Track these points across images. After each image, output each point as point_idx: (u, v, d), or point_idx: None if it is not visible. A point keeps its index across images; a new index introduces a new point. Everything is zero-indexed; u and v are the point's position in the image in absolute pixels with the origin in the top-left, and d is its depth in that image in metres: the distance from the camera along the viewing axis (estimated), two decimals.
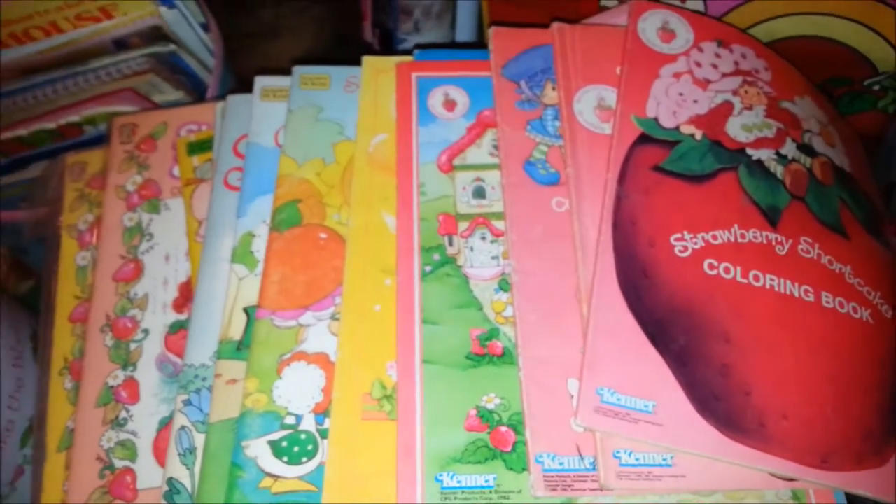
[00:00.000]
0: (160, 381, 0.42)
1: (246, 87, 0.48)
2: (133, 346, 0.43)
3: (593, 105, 0.43)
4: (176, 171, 0.49)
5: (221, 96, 0.60)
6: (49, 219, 0.50)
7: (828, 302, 0.38)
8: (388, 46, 0.70)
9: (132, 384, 0.42)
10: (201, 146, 0.49)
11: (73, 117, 0.57)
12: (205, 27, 0.59)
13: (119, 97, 0.56)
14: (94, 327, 0.44)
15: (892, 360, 0.39)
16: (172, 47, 0.55)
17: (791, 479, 0.34)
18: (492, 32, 0.45)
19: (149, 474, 0.40)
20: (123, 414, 0.41)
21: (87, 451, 0.41)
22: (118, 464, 0.40)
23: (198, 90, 0.61)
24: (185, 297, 0.44)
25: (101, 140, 0.60)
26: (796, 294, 0.37)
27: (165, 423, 0.41)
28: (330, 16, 0.72)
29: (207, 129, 0.50)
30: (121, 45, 0.54)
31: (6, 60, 0.53)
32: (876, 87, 0.53)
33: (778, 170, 0.41)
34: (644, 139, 0.41)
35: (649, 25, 0.45)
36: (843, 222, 0.42)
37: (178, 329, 0.43)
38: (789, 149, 0.42)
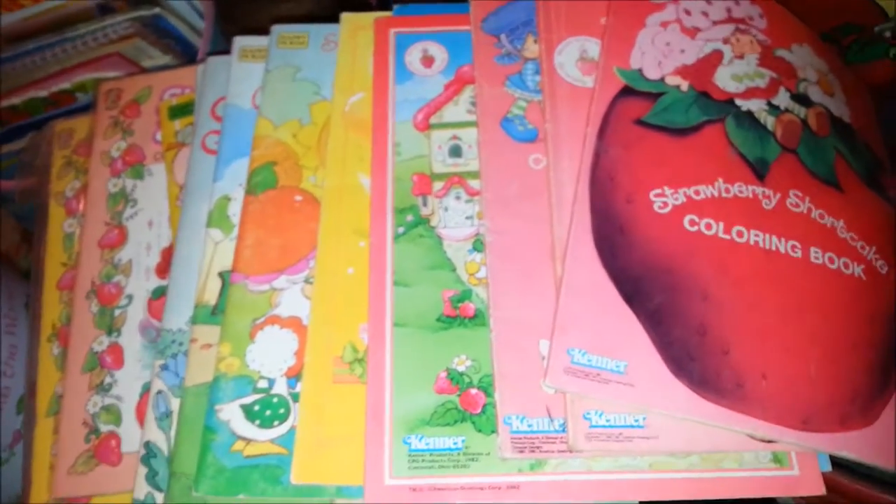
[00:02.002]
0: (143, 347, 0.42)
1: None
2: (117, 311, 0.43)
3: (575, 57, 0.41)
4: (159, 135, 0.48)
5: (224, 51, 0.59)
6: (38, 187, 0.51)
7: (816, 258, 0.36)
8: (387, 6, 0.69)
9: (116, 349, 0.42)
10: (183, 110, 0.48)
11: (64, 84, 0.57)
12: None
13: (106, 62, 0.55)
14: (80, 294, 0.44)
15: (885, 316, 0.37)
16: (157, 10, 0.54)
17: (770, 441, 0.33)
18: None
19: (133, 438, 0.40)
20: (108, 379, 0.42)
21: (74, 415, 0.41)
22: (103, 428, 0.41)
23: (189, 54, 0.60)
24: (168, 262, 0.44)
25: (92, 106, 0.60)
26: (782, 250, 0.36)
27: (148, 388, 0.41)
28: None
29: (191, 92, 0.50)
30: (105, 9, 0.53)
31: None
32: (887, 34, 0.51)
33: (769, 121, 0.39)
34: (627, 92, 0.39)
35: None
36: (838, 175, 0.40)
37: (160, 295, 0.43)
38: (782, 99, 0.40)
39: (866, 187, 0.41)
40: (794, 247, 0.36)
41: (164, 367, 0.39)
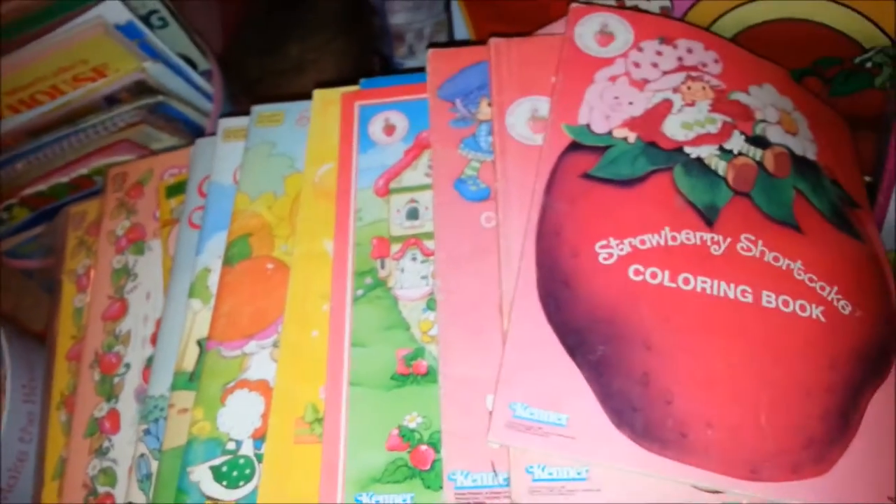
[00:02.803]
0: (137, 412, 0.45)
1: None
2: (116, 379, 0.46)
3: (526, 117, 0.43)
4: (158, 213, 0.52)
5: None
6: (55, 266, 0.55)
7: (769, 301, 0.36)
8: (388, 73, 0.72)
9: (114, 415, 0.45)
10: (178, 188, 0.52)
11: (82, 170, 0.62)
12: (207, 74, 0.63)
13: (117, 149, 0.60)
14: (84, 364, 0.48)
15: (847, 359, 0.36)
16: (160, 98, 0.59)
17: (717, 492, 0.32)
18: (429, 55, 0.46)
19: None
20: (106, 443, 0.44)
21: (76, 478, 0.44)
22: (100, 489, 0.43)
23: (197, 134, 0.65)
24: None
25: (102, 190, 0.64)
26: (731, 295, 0.36)
27: None
28: (350, 48, 0.75)
29: (186, 171, 0.53)
30: (112, 100, 0.58)
31: (18, 125, 0.59)
32: (868, 64, 0.50)
33: (720, 166, 0.40)
34: (574, 147, 0.40)
35: (587, 30, 0.44)
36: (797, 215, 0.40)
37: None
38: (736, 143, 0.41)
39: (831, 226, 0.40)
40: (744, 291, 0.36)
41: (147, 432, 0.41)
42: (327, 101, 0.48)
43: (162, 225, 0.51)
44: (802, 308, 0.37)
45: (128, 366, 0.47)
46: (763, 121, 0.42)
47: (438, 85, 0.45)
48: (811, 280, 0.38)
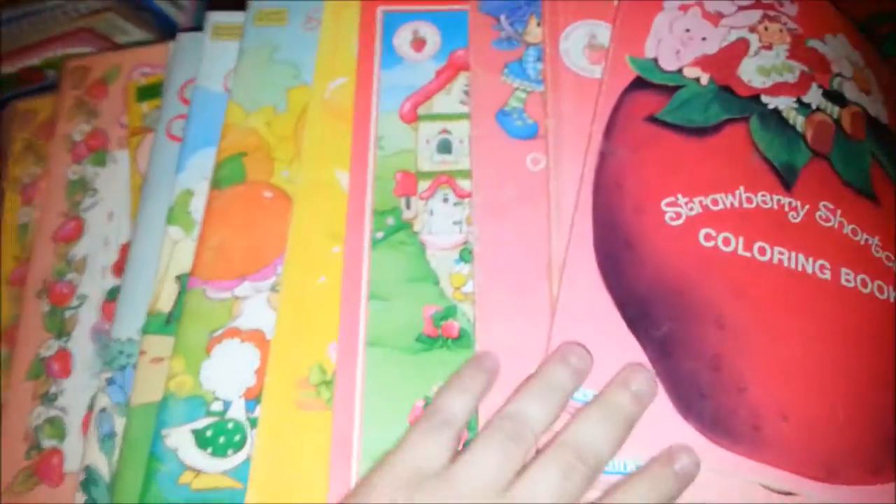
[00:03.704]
0: (94, 354, 0.38)
1: None
2: (69, 313, 0.39)
3: (583, 44, 0.37)
4: (124, 119, 0.44)
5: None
6: None
7: (848, 280, 0.32)
8: None
9: (65, 356, 0.38)
10: (152, 91, 0.44)
11: (33, 60, 0.53)
12: None
13: (76, 38, 0.51)
14: (30, 292, 0.41)
15: None
16: None
17: (789, 494, 0.29)
18: None
19: (78, 456, 0.36)
20: (54, 388, 0.38)
21: (15, 428, 0.37)
22: (46, 443, 0.37)
23: (169, 31, 0.56)
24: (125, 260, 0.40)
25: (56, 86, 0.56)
26: (809, 270, 0.32)
27: None
28: None
29: (162, 72, 0.45)
30: None
31: None
32: None
33: (798, 121, 0.35)
34: (639, 84, 0.35)
35: None
36: (874, 184, 0.35)
37: (116, 296, 0.39)
38: (814, 96, 0.36)
39: None
40: (822, 267, 0.32)
41: (111, 382, 0.35)
42: (341, 3, 0.40)
43: (130, 133, 0.43)
44: (880, 290, 0.33)
45: (82, 298, 0.40)
46: (839, 75, 0.37)
47: None
48: (888, 259, 0.34)
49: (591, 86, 0.35)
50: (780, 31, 0.37)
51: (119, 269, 0.40)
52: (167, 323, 0.34)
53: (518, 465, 0.26)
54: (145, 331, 0.34)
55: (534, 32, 0.37)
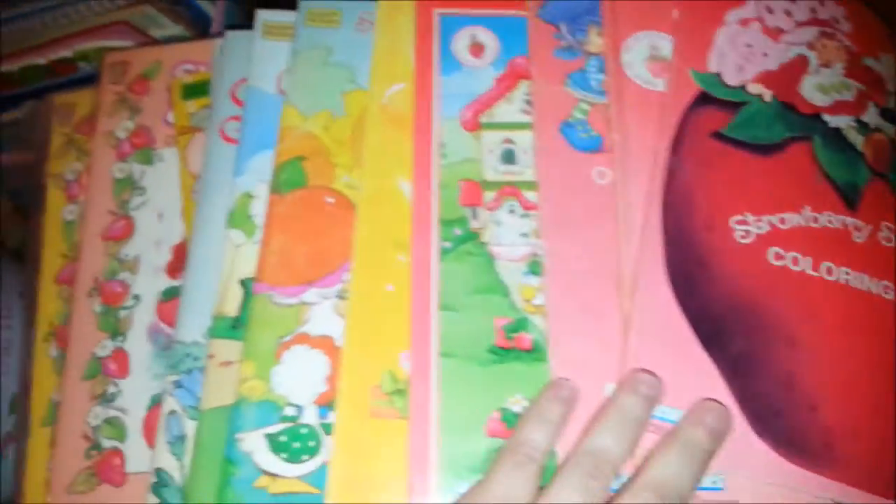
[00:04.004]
0: (152, 354, 0.38)
1: None
2: (123, 313, 0.39)
3: (645, 56, 0.37)
4: (171, 117, 0.44)
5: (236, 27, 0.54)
6: (34, 165, 0.46)
7: None
8: None
9: (121, 356, 0.38)
10: (197, 89, 0.44)
11: (65, 52, 0.52)
12: None
13: (112, 31, 0.51)
14: (81, 291, 0.40)
15: None
16: None
17: None
18: None
19: (138, 456, 0.36)
20: (112, 388, 0.38)
21: (73, 427, 0.37)
22: (105, 443, 0.37)
23: (201, 24, 0.55)
24: (180, 261, 0.40)
25: (95, 79, 0.55)
26: (874, 291, 0.32)
27: (157, 401, 0.37)
28: None
29: (206, 69, 0.45)
30: None
31: None
32: None
33: (858, 140, 0.36)
34: (704, 99, 0.35)
35: None
36: None
37: (172, 296, 0.39)
38: (871, 115, 0.36)
39: None
40: (886, 288, 0.33)
41: (178, 385, 0.35)
42: (395, 5, 0.40)
43: (178, 132, 0.43)
44: None
45: (137, 298, 0.40)
46: (894, 93, 0.38)
47: (540, 3, 0.38)
48: None
49: (654, 99, 0.36)
50: (837, 48, 0.38)
51: (173, 270, 0.40)
52: (234, 327, 0.35)
53: (600, 502, 0.27)
54: (212, 334, 0.35)
55: (594, 42, 0.38)
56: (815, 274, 0.32)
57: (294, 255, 0.35)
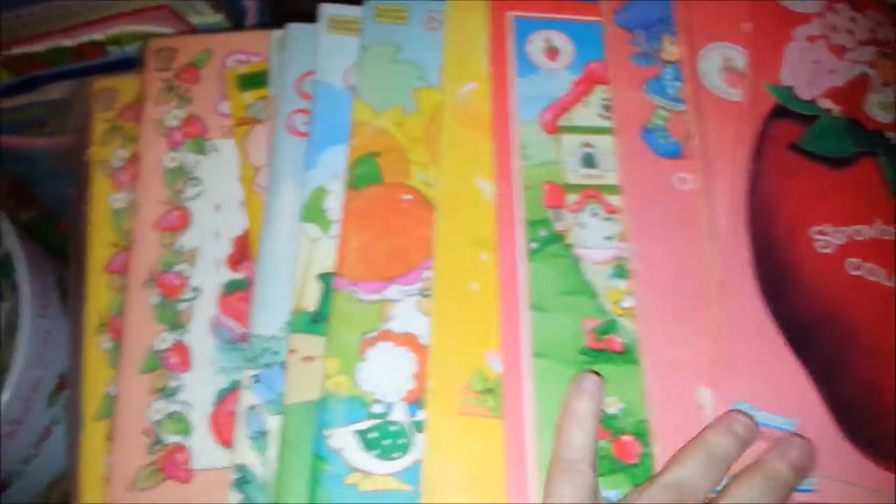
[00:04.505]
0: (216, 348, 0.37)
1: (290, 17, 0.42)
2: (182, 305, 0.38)
3: (719, 66, 0.38)
4: (224, 107, 0.43)
5: (262, 24, 0.54)
6: (73, 151, 0.44)
7: None
8: None
9: (182, 349, 0.38)
10: (254, 80, 0.43)
11: (97, 35, 0.51)
12: None
13: (152, 15, 0.49)
14: (135, 281, 0.39)
15: None
16: None
17: None
18: None
19: (204, 453, 0.36)
20: (173, 383, 0.37)
21: (132, 422, 0.36)
22: (169, 439, 0.36)
23: (237, 16, 0.54)
24: (242, 253, 0.39)
25: (125, 64, 0.53)
26: None
27: (224, 396, 0.37)
28: None
29: (259, 60, 0.44)
30: None
31: None
32: None
33: None
34: (779, 112, 0.36)
35: None
36: None
37: (234, 289, 0.39)
38: None
39: None
40: None
41: (257, 379, 0.34)
42: (464, 4, 0.40)
43: (236, 123, 0.42)
44: None
45: (197, 290, 0.39)
46: None
47: (616, 9, 0.39)
48: None
49: (731, 108, 0.36)
50: (894, 67, 0.39)
51: (234, 262, 0.39)
52: (314, 322, 0.34)
53: None
54: (292, 329, 0.34)
55: (669, 50, 0.38)
56: (888, 284, 0.33)
57: (373, 251, 0.35)
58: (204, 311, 0.38)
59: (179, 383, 0.37)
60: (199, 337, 0.38)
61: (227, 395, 0.37)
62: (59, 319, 0.44)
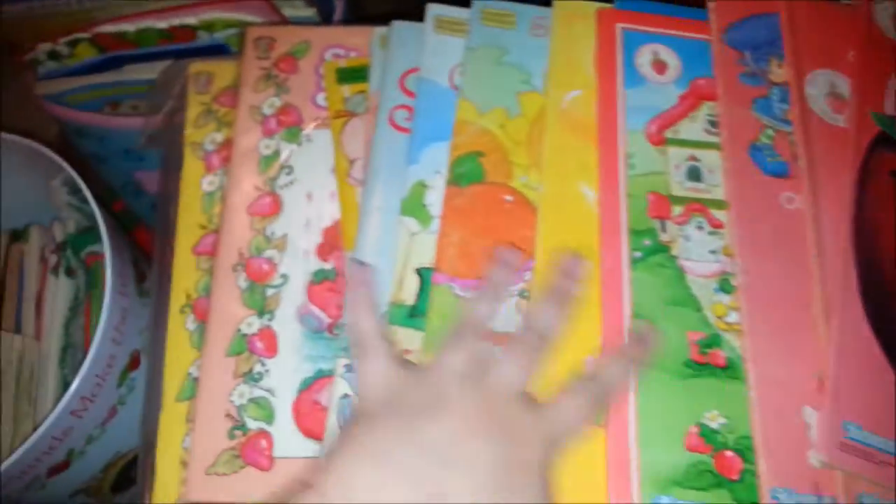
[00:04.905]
0: (302, 336, 0.37)
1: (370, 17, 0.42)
2: (270, 291, 0.38)
3: (825, 92, 0.38)
4: (320, 98, 0.43)
5: (348, 21, 0.54)
6: (166, 131, 0.45)
7: None
8: None
9: (269, 334, 0.37)
10: (353, 75, 0.43)
11: (190, 19, 0.51)
12: None
13: (248, 4, 0.50)
14: (224, 264, 0.39)
15: None
16: None
17: None
18: None
19: (286, 441, 0.35)
20: (258, 368, 0.37)
21: (215, 405, 0.36)
22: (251, 424, 0.36)
23: (327, 10, 0.55)
24: (331, 244, 0.39)
25: (214, 50, 0.54)
26: None
27: (309, 384, 0.36)
28: None
29: (357, 55, 0.44)
30: None
31: None
32: None
33: None
34: (883, 140, 0.36)
35: (883, 10, 0.39)
36: None
37: (322, 279, 0.38)
38: None
39: None
40: None
41: (350, 368, 0.34)
42: (572, 13, 0.41)
43: (333, 115, 0.42)
44: None
45: (285, 277, 0.39)
46: None
47: (723, 28, 0.39)
48: None
49: (836, 133, 0.36)
50: None
51: (324, 252, 0.39)
52: (411, 315, 0.34)
53: None
54: (390, 321, 0.34)
55: (776, 72, 0.38)
56: None
57: (474, 248, 0.35)
58: (291, 298, 0.38)
59: (264, 369, 0.37)
60: (286, 324, 0.38)
61: (312, 383, 0.36)
62: (134, 298, 0.44)
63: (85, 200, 0.50)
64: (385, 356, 0.31)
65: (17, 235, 0.54)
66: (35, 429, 0.46)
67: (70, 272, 0.50)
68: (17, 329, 0.50)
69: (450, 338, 0.31)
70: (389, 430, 0.28)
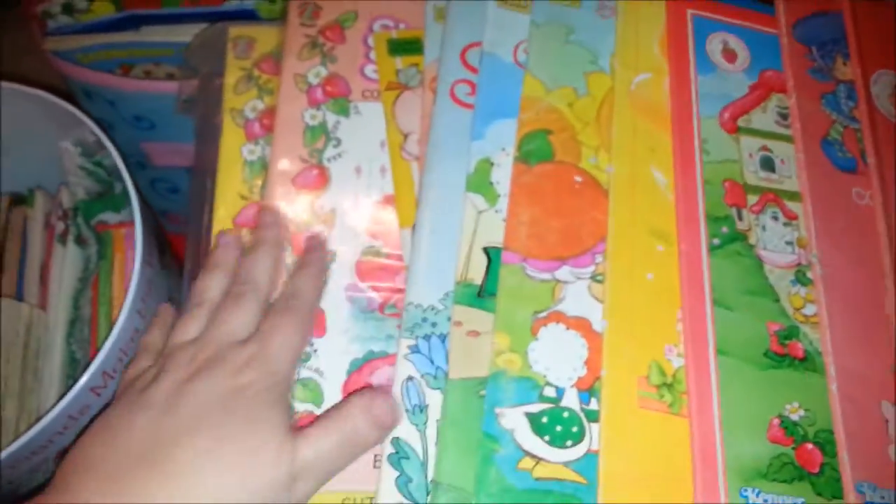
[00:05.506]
0: (351, 316, 0.35)
1: None
2: None
3: (888, 92, 0.37)
4: (369, 70, 0.41)
5: None
6: (203, 96, 0.42)
7: None
8: None
9: (318, 313, 0.35)
10: (405, 46, 0.41)
11: None
12: None
13: None
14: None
15: None
16: None
17: None
18: None
19: None
20: (307, 347, 0.35)
21: None
22: (299, 406, 0.34)
23: None
24: (382, 220, 0.37)
25: (241, 16, 0.51)
26: None
27: (359, 366, 0.34)
28: None
29: (406, 27, 0.43)
30: None
31: None
32: None
33: None
34: None
35: None
36: None
37: (372, 256, 0.37)
38: None
39: None
40: None
41: (415, 350, 0.32)
42: None
43: (385, 87, 0.40)
44: None
45: (333, 255, 0.37)
46: None
47: (793, 23, 0.38)
48: None
49: None
50: None
51: (374, 228, 0.37)
52: (479, 295, 0.32)
53: None
54: (456, 301, 0.32)
55: (841, 70, 0.38)
56: None
57: (544, 228, 0.34)
58: (340, 276, 0.36)
59: (312, 349, 0.35)
60: (334, 303, 0.36)
61: (362, 365, 0.35)
62: (158, 270, 0.41)
63: (99, 164, 0.48)
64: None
65: (20, 199, 0.51)
66: (40, 406, 0.43)
67: (81, 241, 0.47)
68: (20, 299, 0.46)
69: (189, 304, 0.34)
70: (122, 404, 0.30)
